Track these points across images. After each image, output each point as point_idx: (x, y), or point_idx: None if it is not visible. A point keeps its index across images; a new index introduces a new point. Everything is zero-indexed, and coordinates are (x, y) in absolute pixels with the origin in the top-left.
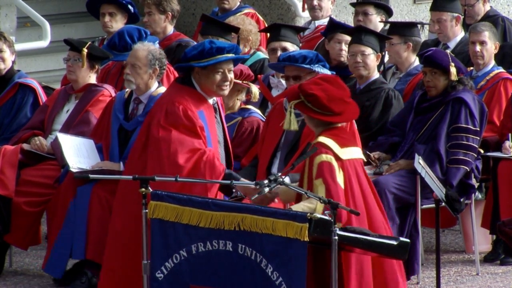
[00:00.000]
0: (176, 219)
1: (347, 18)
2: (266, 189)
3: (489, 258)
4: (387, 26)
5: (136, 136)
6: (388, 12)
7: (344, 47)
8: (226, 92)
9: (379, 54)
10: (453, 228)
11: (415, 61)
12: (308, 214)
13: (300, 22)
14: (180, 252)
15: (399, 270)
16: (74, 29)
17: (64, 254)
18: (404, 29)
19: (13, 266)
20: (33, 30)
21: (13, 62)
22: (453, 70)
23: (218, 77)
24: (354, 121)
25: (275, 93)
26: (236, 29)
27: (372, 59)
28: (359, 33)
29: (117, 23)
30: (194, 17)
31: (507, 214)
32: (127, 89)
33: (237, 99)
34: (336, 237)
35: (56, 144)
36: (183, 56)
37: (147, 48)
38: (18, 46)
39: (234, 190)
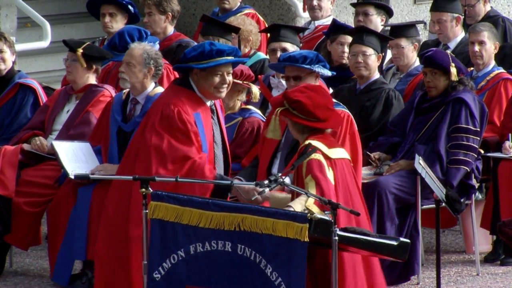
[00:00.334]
0: (176, 220)
1: (348, 18)
2: (267, 190)
3: (489, 259)
4: (388, 27)
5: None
6: (389, 12)
7: (347, 49)
8: (223, 94)
9: (380, 54)
10: (453, 228)
11: (415, 61)
12: (308, 214)
13: (301, 23)
14: (178, 252)
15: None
16: (74, 29)
17: (69, 262)
18: (409, 30)
19: (14, 267)
20: (34, 30)
21: (14, 63)
22: (453, 70)
23: (216, 79)
24: (354, 121)
25: (275, 93)
26: (236, 30)
27: (373, 59)
28: (361, 33)
29: (118, 24)
30: (194, 18)
31: (507, 214)
32: (124, 90)
33: (238, 100)
34: (336, 238)
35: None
36: (183, 57)
37: (143, 47)
38: (19, 47)
39: (229, 194)
